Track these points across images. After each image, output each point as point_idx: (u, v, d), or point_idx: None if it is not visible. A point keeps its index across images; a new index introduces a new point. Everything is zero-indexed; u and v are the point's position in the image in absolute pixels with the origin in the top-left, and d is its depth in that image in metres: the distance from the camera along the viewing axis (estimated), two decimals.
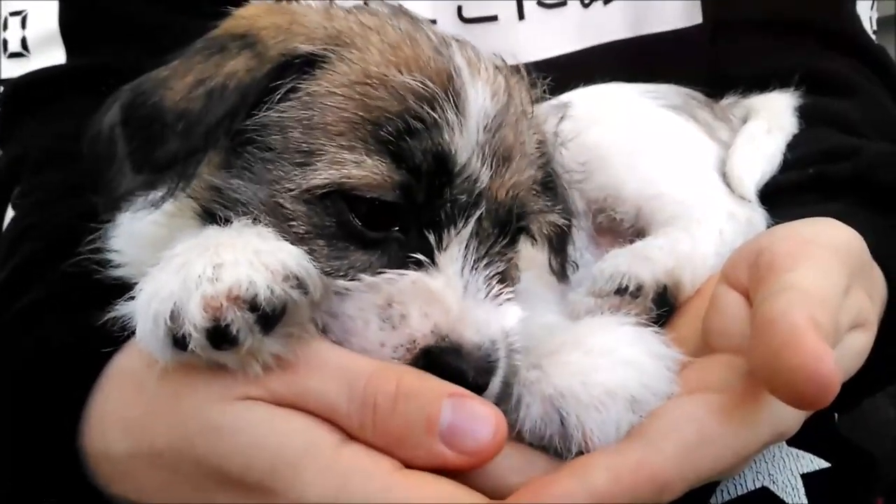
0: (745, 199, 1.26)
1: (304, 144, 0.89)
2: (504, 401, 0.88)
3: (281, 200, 0.89)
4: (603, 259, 1.13)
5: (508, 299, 0.92)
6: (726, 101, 1.47)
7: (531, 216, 1.00)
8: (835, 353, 0.77)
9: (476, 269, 0.90)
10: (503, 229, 0.95)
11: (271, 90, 0.90)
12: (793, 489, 1.02)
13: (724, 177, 1.30)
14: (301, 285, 0.82)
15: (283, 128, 0.90)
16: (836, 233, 0.92)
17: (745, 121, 1.43)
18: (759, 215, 1.23)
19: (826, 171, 1.25)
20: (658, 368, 0.85)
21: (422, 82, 0.89)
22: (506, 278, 0.97)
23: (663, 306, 1.08)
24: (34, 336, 1.03)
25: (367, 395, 0.81)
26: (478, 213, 0.91)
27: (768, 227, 1.21)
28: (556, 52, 1.57)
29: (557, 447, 0.83)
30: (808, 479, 1.04)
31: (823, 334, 0.75)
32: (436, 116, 0.89)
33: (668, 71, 1.48)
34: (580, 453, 0.82)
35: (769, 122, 1.38)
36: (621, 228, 1.26)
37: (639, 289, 1.06)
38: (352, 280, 0.86)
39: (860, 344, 0.91)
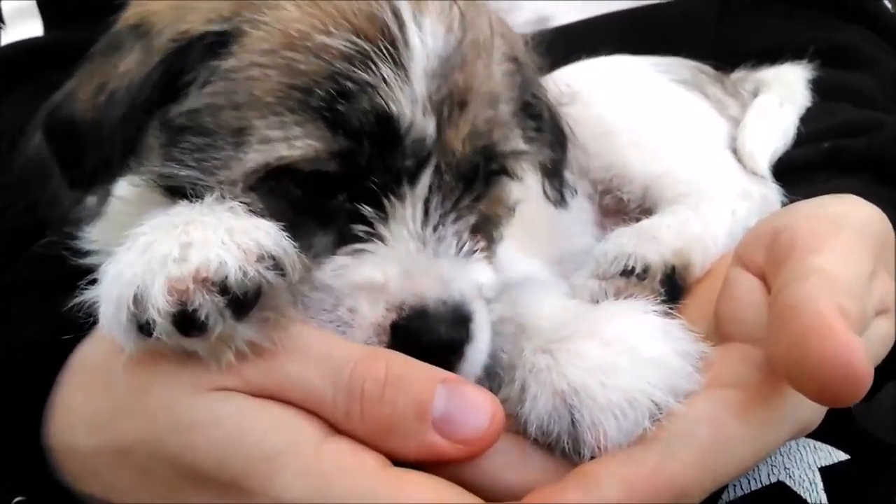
0: (758, 176, 1.20)
1: (234, 123, 0.83)
2: (506, 384, 0.82)
3: (226, 188, 0.83)
4: (606, 239, 1.06)
5: (483, 252, 0.87)
6: (736, 74, 1.41)
7: (504, 158, 0.93)
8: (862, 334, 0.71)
9: (442, 225, 0.85)
10: (468, 181, 0.88)
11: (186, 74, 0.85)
12: (810, 484, 0.95)
13: (736, 153, 1.25)
14: (277, 266, 0.75)
15: (213, 110, 0.84)
16: (860, 211, 0.85)
17: (755, 95, 1.38)
18: (773, 192, 1.17)
19: (841, 146, 1.19)
20: (683, 368, 0.77)
21: (348, 39, 0.82)
22: (483, 229, 0.92)
23: (672, 288, 1.01)
24: None
25: (354, 382, 0.75)
26: (429, 170, 0.84)
27: (783, 205, 1.16)
28: (558, 22, 1.50)
29: (565, 447, 0.76)
30: (826, 472, 0.97)
31: (852, 324, 0.68)
32: (368, 74, 0.82)
33: (673, 44, 1.42)
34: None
35: (781, 96, 1.33)
36: (628, 209, 1.20)
37: (645, 270, 1.00)
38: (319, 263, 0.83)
39: (884, 332, 0.84)
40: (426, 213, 0.84)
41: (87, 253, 0.96)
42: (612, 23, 1.50)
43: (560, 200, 1.09)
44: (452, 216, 0.86)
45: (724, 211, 1.12)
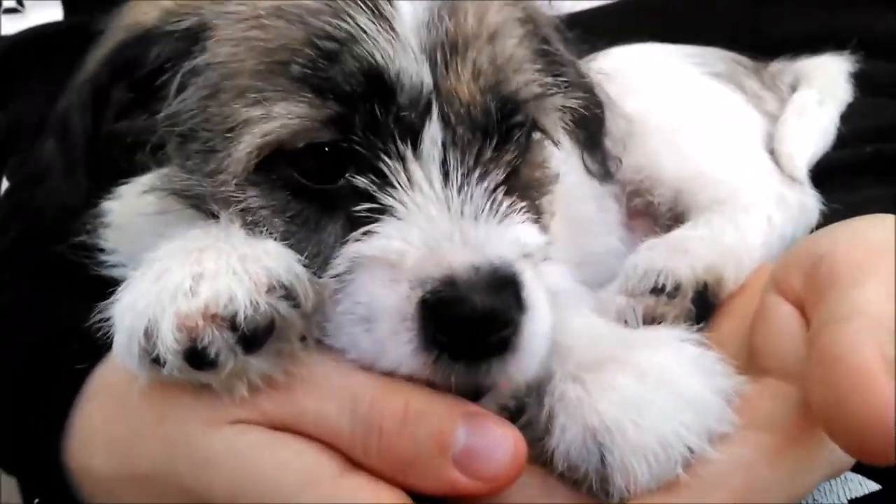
0: (796, 180, 1.15)
1: (224, 122, 0.79)
2: (531, 406, 0.79)
3: (226, 189, 0.79)
4: (636, 251, 1.03)
5: (527, 213, 0.79)
6: (775, 65, 1.35)
7: (528, 104, 0.84)
8: None
9: (466, 184, 0.76)
10: (485, 129, 0.80)
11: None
12: None
13: (773, 154, 1.20)
14: (290, 296, 0.73)
15: (203, 113, 0.81)
16: None
17: (794, 88, 1.33)
18: (811, 199, 1.13)
19: (884, 150, 1.15)
20: (719, 407, 0.74)
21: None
22: (524, 194, 0.84)
23: (703, 305, 0.98)
24: (16, 338, 0.96)
25: (372, 417, 0.73)
26: (434, 123, 0.76)
27: (821, 213, 1.11)
28: (582, 7, 1.43)
29: (592, 485, 0.74)
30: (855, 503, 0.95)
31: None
32: (347, 28, 0.75)
33: (704, 31, 1.36)
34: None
35: (821, 91, 1.28)
36: (658, 213, 1.16)
37: (676, 288, 0.97)
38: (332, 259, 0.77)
39: None
40: (446, 174, 0.76)
41: (107, 264, 0.95)
42: (638, 8, 1.44)
43: (604, 175, 1.02)
44: (478, 172, 0.77)
45: (761, 220, 1.08)
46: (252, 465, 0.74)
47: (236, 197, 0.79)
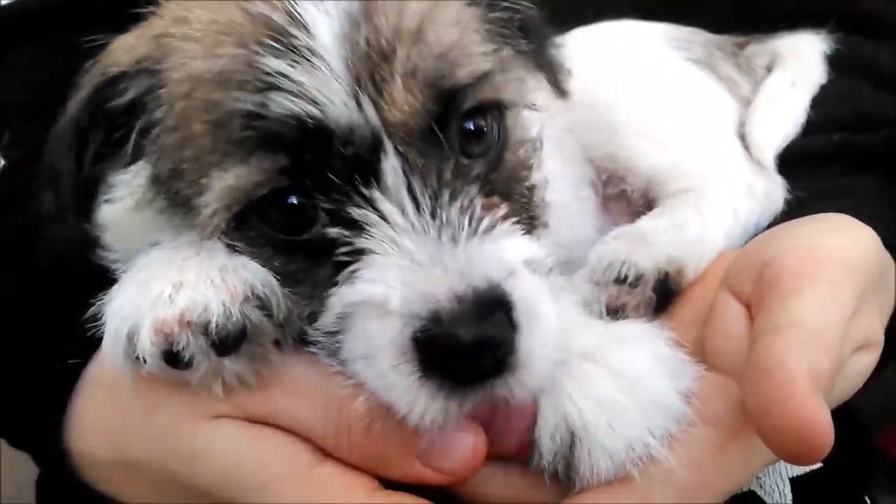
0: (764, 167, 1.18)
1: (192, 176, 0.80)
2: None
3: (212, 242, 0.82)
4: (602, 241, 1.07)
5: (511, 219, 0.77)
6: (751, 48, 1.36)
7: (476, 87, 0.79)
8: (835, 381, 0.74)
9: (439, 207, 0.74)
10: (437, 144, 0.76)
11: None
12: (780, 494, 0.99)
13: (743, 138, 1.22)
14: (264, 306, 0.78)
15: (170, 161, 0.82)
16: (852, 242, 0.85)
17: (769, 69, 1.33)
18: (778, 188, 1.15)
19: (853, 140, 1.17)
20: (681, 409, 0.79)
21: (231, 54, 0.75)
22: (505, 190, 0.82)
23: (664, 293, 1.02)
24: (16, 331, 1.01)
25: (341, 419, 0.79)
26: (387, 153, 0.74)
27: (786, 201, 1.14)
28: None
29: (557, 469, 0.79)
30: (796, 482, 1.01)
31: (822, 383, 0.70)
32: (270, 80, 0.73)
33: (691, 1, 1.37)
34: None
35: (794, 74, 1.29)
36: (632, 199, 1.20)
37: (638, 278, 1.01)
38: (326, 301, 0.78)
39: (864, 366, 0.86)
40: (415, 200, 0.74)
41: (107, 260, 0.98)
42: None
43: (561, 92, 0.99)
44: (446, 194, 0.75)
45: (725, 211, 1.11)
46: (233, 457, 0.80)
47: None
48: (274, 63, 0.73)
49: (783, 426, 0.68)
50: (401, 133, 0.75)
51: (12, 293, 1.02)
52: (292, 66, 0.73)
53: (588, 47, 1.26)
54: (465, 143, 0.80)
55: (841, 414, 0.77)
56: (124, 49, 0.87)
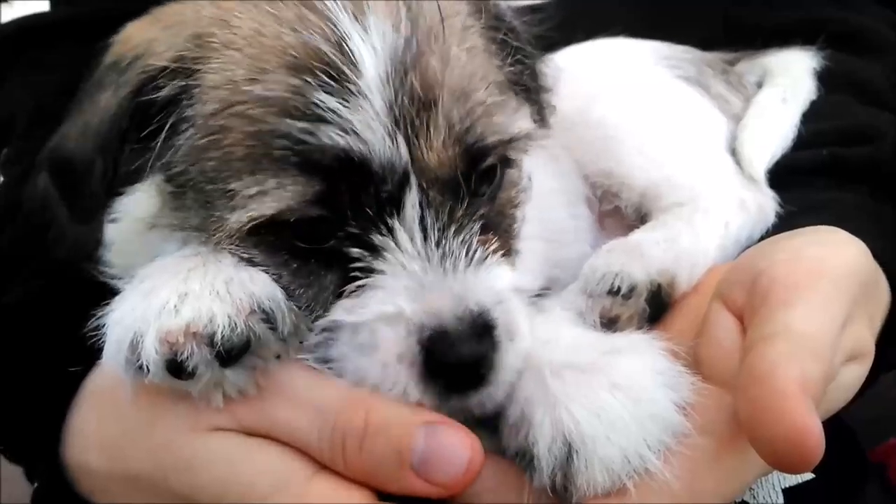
0: (755, 181, 1.19)
1: (219, 179, 0.83)
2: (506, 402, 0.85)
3: (227, 247, 0.84)
4: (596, 254, 1.08)
5: (499, 252, 0.87)
6: (742, 64, 1.38)
7: (495, 150, 0.89)
8: (826, 392, 0.74)
9: (444, 239, 0.83)
10: (457, 188, 0.85)
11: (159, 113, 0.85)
12: None
13: (734, 153, 1.24)
14: (269, 319, 0.79)
15: (196, 161, 0.84)
16: (842, 254, 0.87)
17: (760, 85, 1.36)
18: (770, 202, 1.16)
19: (842, 154, 1.19)
20: (678, 421, 0.81)
21: (286, 83, 0.80)
22: (496, 227, 0.91)
23: (656, 305, 1.03)
24: (13, 343, 1.02)
25: (336, 434, 0.80)
26: (412, 192, 0.82)
27: (777, 215, 1.15)
28: None
29: (555, 481, 0.80)
30: (789, 492, 1.02)
31: (814, 391, 0.71)
32: (319, 114, 0.79)
33: (680, 18, 1.39)
34: None
35: (784, 90, 1.31)
36: (626, 215, 1.21)
37: (631, 290, 1.01)
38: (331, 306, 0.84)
39: (853, 377, 0.87)
40: (424, 230, 0.83)
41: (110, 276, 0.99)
42: None
43: (542, 123, 1.06)
44: (453, 228, 0.84)
45: (718, 224, 1.12)
46: (230, 469, 0.81)
47: (237, 251, 0.84)
48: (325, 97, 0.79)
49: (774, 434, 0.69)
50: (429, 176, 0.83)
51: (11, 304, 1.02)
52: (341, 104, 0.79)
53: (580, 66, 1.28)
54: (477, 188, 0.89)
55: (832, 424, 0.78)
56: (147, 40, 0.87)
